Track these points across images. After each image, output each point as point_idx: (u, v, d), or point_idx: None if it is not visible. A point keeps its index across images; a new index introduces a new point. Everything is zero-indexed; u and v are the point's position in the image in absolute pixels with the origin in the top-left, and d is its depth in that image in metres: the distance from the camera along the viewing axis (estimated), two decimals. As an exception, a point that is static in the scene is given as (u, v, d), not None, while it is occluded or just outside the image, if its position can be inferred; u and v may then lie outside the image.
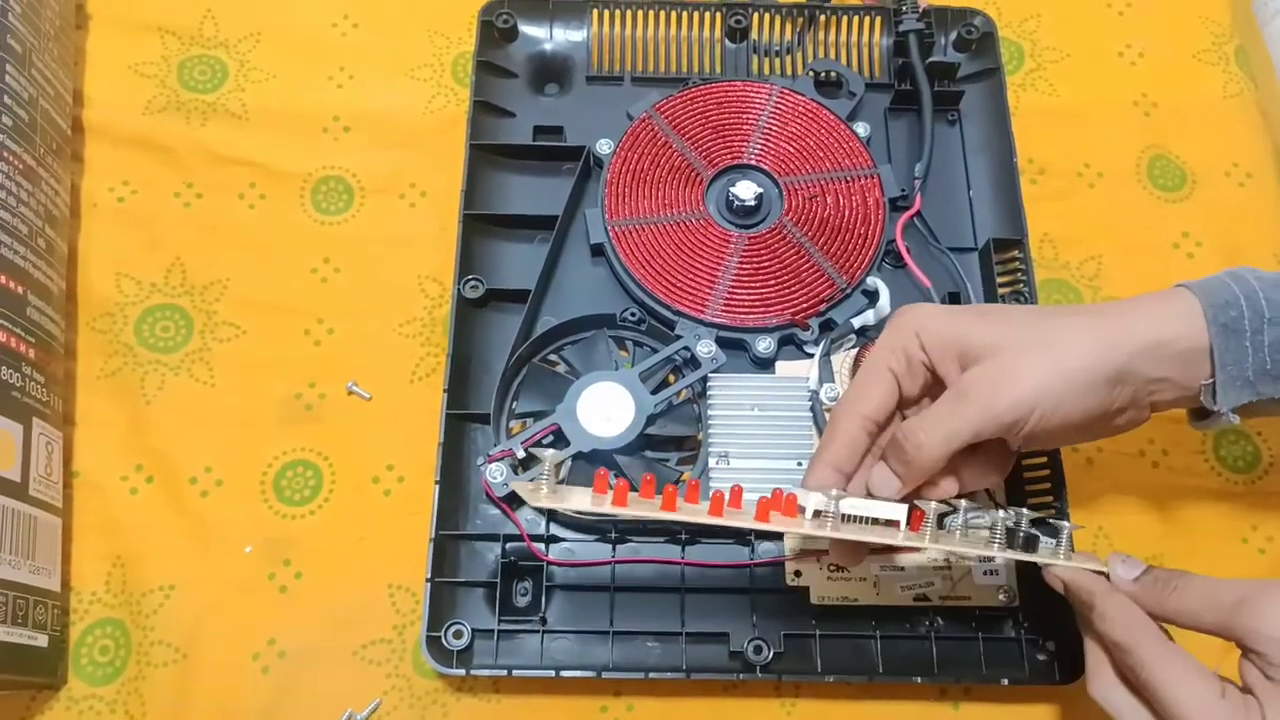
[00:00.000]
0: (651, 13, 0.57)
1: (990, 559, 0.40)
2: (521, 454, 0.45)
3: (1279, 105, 0.60)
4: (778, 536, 0.46)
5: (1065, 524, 0.40)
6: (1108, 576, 0.39)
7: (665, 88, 0.55)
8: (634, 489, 0.46)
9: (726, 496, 0.38)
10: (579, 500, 0.39)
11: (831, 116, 0.54)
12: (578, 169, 0.52)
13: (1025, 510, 0.40)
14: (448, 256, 0.51)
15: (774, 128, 0.54)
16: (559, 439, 0.46)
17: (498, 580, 0.45)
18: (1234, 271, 0.41)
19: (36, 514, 0.45)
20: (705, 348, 0.47)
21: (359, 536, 0.48)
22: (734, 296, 0.49)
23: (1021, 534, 0.39)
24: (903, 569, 0.45)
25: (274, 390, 0.51)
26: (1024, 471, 0.47)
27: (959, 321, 0.40)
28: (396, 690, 0.46)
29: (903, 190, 0.53)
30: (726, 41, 0.57)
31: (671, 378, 0.49)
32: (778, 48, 0.57)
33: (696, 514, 0.38)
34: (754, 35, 0.57)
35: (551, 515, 0.46)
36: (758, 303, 0.49)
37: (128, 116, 0.56)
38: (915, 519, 0.40)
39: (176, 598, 0.47)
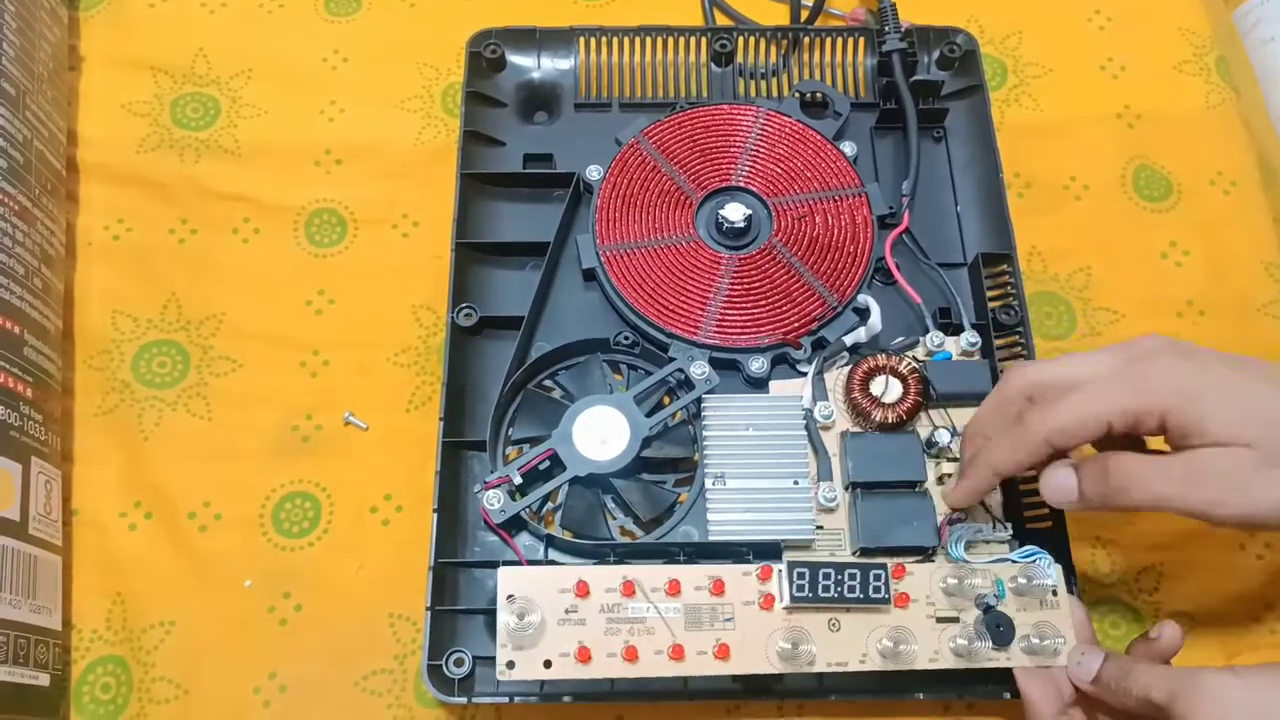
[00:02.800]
0: (637, 39, 0.57)
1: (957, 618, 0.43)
2: (518, 480, 0.45)
3: (1261, 114, 0.61)
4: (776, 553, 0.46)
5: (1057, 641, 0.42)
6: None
7: (652, 113, 0.55)
8: (635, 518, 0.46)
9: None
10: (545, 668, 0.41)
11: (818, 137, 0.54)
12: (568, 195, 0.53)
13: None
14: (441, 285, 0.51)
15: (761, 149, 0.54)
16: (555, 464, 0.46)
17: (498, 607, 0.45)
18: None
19: (36, 553, 0.45)
20: (699, 369, 0.48)
21: (358, 567, 0.48)
22: (726, 317, 0.50)
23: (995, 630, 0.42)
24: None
25: (271, 423, 0.51)
26: (1020, 484, 0.47)
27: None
28: (399, 720, 0.46)
29: (891, 208, 0.53)
30: (712, 65, 0.58)
31: (666, 400, 0.49)
32: (763, 70, 0.58)
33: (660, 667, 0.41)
34: (739, 59, 0.58)
35: (550, 541, 0.46)
36: (750, 323, 0.50)
37: (121, 155, 0.57)
38: (900, 599, 0.42)
39: (177, 633, 0.47)
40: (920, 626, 0.42)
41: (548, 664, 0.41)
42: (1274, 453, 0.36)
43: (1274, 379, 0.38)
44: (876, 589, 0.41)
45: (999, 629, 0.41)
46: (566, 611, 0.41)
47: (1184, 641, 0.43)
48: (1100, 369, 0.40)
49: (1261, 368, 0.39)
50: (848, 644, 0.41)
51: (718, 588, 0.42)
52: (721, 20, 0.61)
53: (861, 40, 0.58)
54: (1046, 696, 0.42)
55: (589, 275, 0.52)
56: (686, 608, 0.41)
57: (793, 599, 0.40)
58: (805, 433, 0.47)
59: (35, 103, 0.52)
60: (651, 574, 0.42)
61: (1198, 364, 0.39)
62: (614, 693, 0.44)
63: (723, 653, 0.41)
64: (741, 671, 0.41)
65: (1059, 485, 0.40)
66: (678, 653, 0.41)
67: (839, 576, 0.41)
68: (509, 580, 0.41)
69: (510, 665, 0.40)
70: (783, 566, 0.41)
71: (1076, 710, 0.42)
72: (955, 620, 0.42)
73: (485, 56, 0.57)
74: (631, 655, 0.40)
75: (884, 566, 0.42)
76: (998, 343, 0.50)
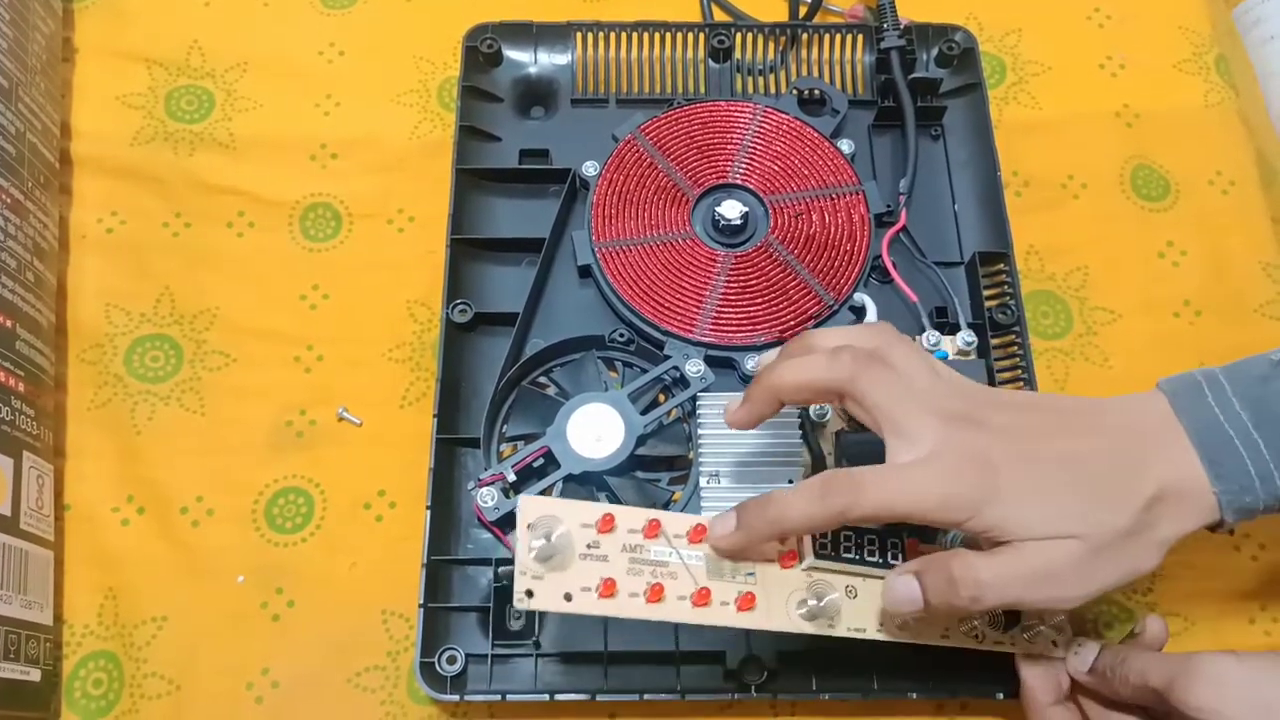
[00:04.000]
0: (635, 35, 0.57)
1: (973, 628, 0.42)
2: (512, 477, 0.45)
3: (1261, 113, 0.61)
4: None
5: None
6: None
7: (650, 109, 0.55)
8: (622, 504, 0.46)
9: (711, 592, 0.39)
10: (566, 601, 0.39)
11: (815, 134, 0.54)
12: (564, 191, 0.53)
13: None
14: (436, 281, 0.51)
15: (758, 147, 0.54)
16: (549, 461, 0.46)
17: (491, 604, 0.45)
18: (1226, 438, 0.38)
19: (28, 548, 0.45)
20: (694, 367, 0.47)
21: (351, 563, 0.48)
22: (722, 315, 0.50)
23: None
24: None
25: (264, 418, 0.51)
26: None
27: None
28: (391, 718, 0.45)
29: (888, 206, 0.53)
30: (710, 62, 0.58)
31: (661, 397, 0.49)
32: (760, 67, 0.58)
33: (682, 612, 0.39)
34: (737, 55, 0.58)
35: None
36: (746, 321, 0.50)
37: (115, 148, 0.57)
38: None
39: (169, 629, 0.47)
40: None
41: (568, 597, 0.38)
42: (1100, 543, 0.37)
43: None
44: (895, 556, 0.41)
45: (1003, 612, 0.41)
46: (588, 547, 0.39)
47: (1168, 636, 0.43)
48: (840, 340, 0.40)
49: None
50: (865, 611, 0.41)
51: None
52: (719, 16, 0.61)
53: (860, 37, 0.58)
54: (1045, 686, 0.42)
55: (584, 272, 0.52)
56: (709, 557, 0.40)
57: (816, 554, 0.40)
58: (800, 432, 0.47)
59: (28, 94, 0.52)
60: (674, 520, 0.40)
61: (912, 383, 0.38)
62: (606, 688, 0.44)
63: (746, 603, 0.39)
64: (765, 627, 0.40)
65: (901, 597, 0.38)
66: (702, 598, 0.39)
67: (859, 540, 0.40)
68: (529, 508, 0.39)
69: (529, 594, 0.38)
70: None
71: (1072, 703, 0.42)
72: None
73: (482, 51, 0.56)
74: (656, 595, 0.39)
75: (900, 537, 0.41)
76: (994, 342, 0.50)
